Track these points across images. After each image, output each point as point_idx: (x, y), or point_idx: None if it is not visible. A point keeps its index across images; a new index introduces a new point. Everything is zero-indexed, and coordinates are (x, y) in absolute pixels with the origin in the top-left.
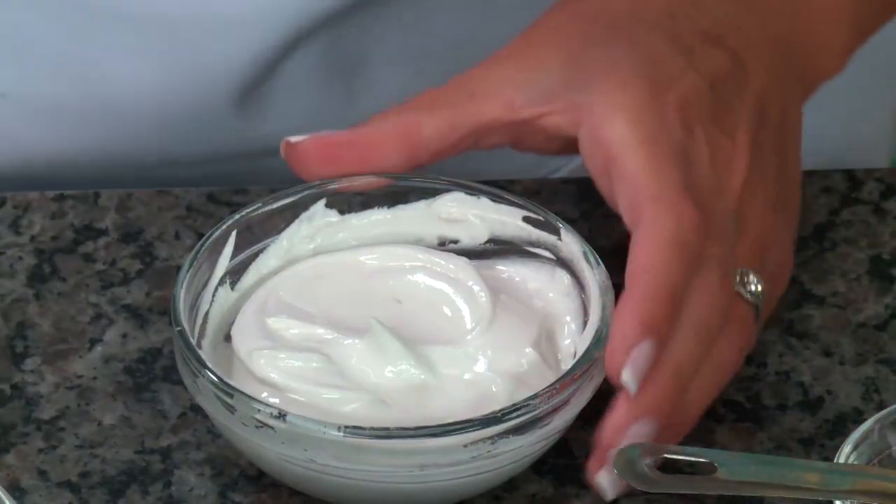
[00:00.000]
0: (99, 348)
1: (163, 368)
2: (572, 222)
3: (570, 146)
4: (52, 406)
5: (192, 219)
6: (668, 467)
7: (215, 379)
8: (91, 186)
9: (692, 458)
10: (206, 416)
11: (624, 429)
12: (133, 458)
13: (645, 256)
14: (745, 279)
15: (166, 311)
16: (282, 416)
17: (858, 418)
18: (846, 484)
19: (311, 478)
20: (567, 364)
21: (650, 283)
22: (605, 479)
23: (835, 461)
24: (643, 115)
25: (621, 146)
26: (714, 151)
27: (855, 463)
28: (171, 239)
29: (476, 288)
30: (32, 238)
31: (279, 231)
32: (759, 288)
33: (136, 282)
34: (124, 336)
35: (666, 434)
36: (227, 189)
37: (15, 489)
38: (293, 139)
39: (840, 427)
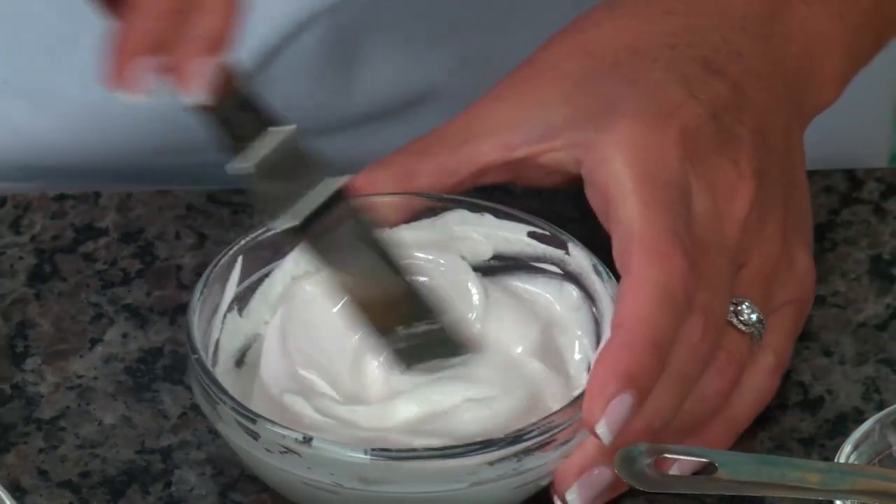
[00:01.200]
0: (99, 348)
1: (163, 368)
2: (572, 222)
3: (570, 180)
4: (52, 406)
5: (192, 218)
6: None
7: (237, 406)
8: (91, 177)
9: (693, 458)
10: (206, 416)
11: (585, 471)
12: (133, 457)
13: (631, 306)
14: (739, 308)
15: (166, 310)
16: (307, 440)
17: (859, 418)
18: (846, 484)
19: (337, 501)
20: (581, 378)
21: (634, 334)
22: None
23: (835, 461)
24: (641, 154)
25: (617, 187)
26: (716, 182)
27: (855, 463)
28: (171, 239)
29: (471, 286)
30: (33, 238)
31: (284, 255)
32: (755, 317)
33: (137, 282)
34: (124, 336)
35: None
36: (227, 189)
37: (15, 489)
38: None
39: (840, 427)
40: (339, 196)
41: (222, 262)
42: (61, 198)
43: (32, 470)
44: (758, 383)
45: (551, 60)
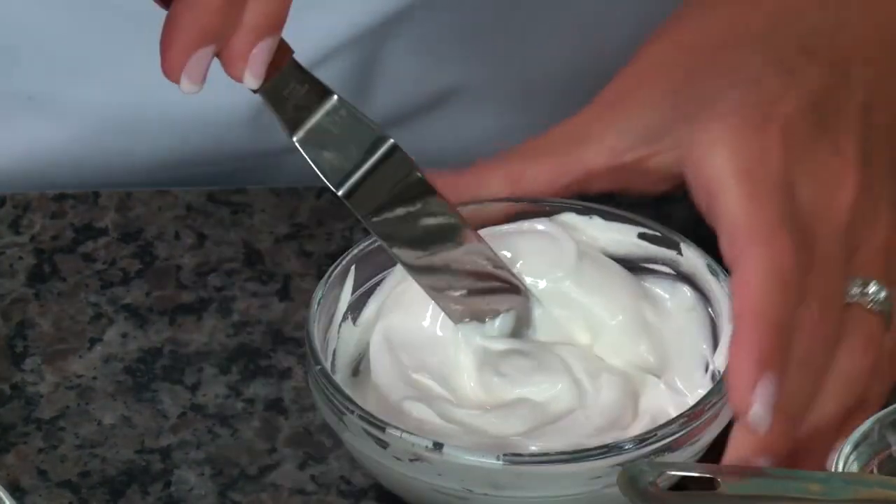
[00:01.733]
0: (99, 348)
1: (163, 368)
2: (683, 228)
3: (677, 185)
4: (51, 406)
5: (191, 218)
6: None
7: (366, 415)
8: (95, 186)
9: (694, 475)
10: (206, 416)
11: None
12: (133, 457)
13: (748, 297)
14: (866, 290)
15: (166, 310)
16: (438, 447)
17: None
18: (848, 493)
19: None
20: (701, 374)
21: (758, 323)
22: None
23: (834, 462)
24: (742, 148)
25: (719, 183)
26: (819, 171)
27: (854, 463)
28: (170, 238)
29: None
30: (32, 238)
31: (394, 263)
32: (884, 294)
33: (136, 281)
34: (124, 336)
35: (796, 459)
36: (226, 189)
37: (15, 489)
38: None
39: None
40: (392, 154)
41: (336, 271)
42: (61, 197)
43: (32, 470)
44: (885, 366)
45: (653, 58)
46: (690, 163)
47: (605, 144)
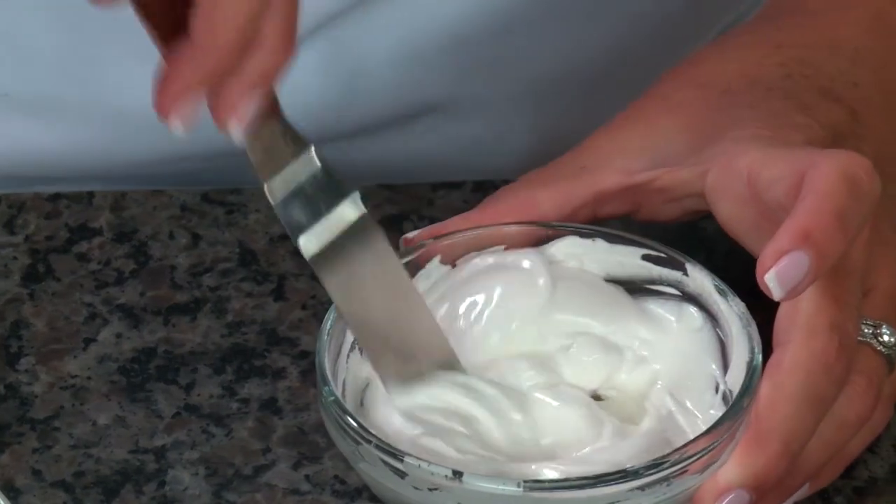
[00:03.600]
0: (93, 348)
1: (157, 368)
2: (689, 251)
3: (689, 210)
4: (46, 406)
5: (186, 219)
6: None
7: (382, 444)
8: (87, 184)
9: None
10: (200, 416)
11: (723, 494)
12: (127, 457)
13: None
14: (878, 331)
15: (160, 310)
16: (457, 476)
17: None
18: None
19: None
20: (711, 395)
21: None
22: None
23: None
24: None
25: (764, 158)
26: None
27: None
28: (165, 239)
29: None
30: (27, 238)
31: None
32: (894, 339)
33: (131, 282)
34: (118, 336)
35: (774, 496)
36: (221, 189)
37: (9, 489)
38: (409, 235)
39: None
40: (361, 222)
41: None
42: (55, 198)
43: (26, 470)
44: (875, 413)
45: (662, 93)
46: (718, 168)
47: (617, 165)
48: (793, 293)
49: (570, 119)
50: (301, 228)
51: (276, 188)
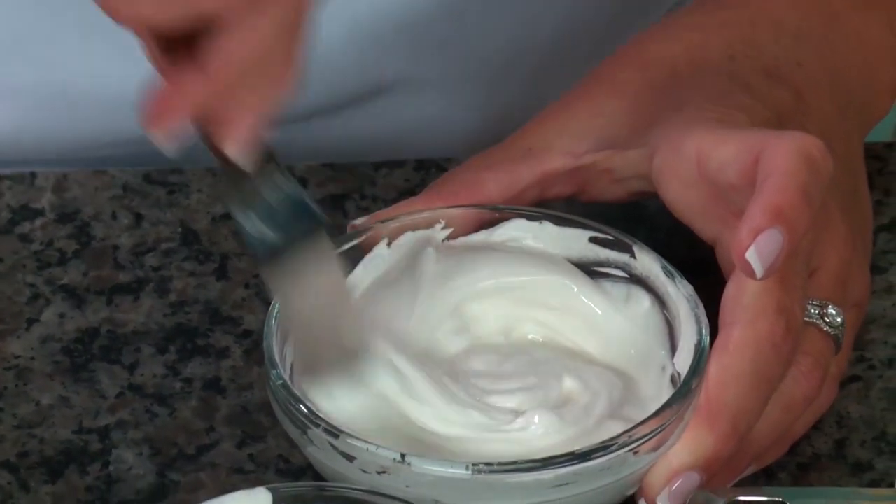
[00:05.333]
0: (36, 328)
1: (100, 348)
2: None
3: (634, 191)
4: None
5: (128, 199)
6: None
7: (331, 428)
8: (29, 165)
9: (764, 498)
10: (144, 396)
11: (673, 476)
12: (71, 437)
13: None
14: (824, 311)
15: (103, 290)
16: (404, 458)
17: None
18: None
19: None
20: (664, 376)
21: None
22: None
23: None
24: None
25: (713, 140)
26: None
27: None
28: (107, 219)
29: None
30: None
31: (346, 274)
32: (841, 319)
33: (73, 262)
34: (61, 316)
35: (723, 475)
36: (163, 168)
37: None
38: (357, 222)
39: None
40: (318, 237)
41: None
42: None
43: None
44: (821, 393)
45: (607, 74)
46: (666, 149)
47: (562, 147)
48: (770, 271)
49: (520, 100)
50: (257, 238)
51: (238, 203)
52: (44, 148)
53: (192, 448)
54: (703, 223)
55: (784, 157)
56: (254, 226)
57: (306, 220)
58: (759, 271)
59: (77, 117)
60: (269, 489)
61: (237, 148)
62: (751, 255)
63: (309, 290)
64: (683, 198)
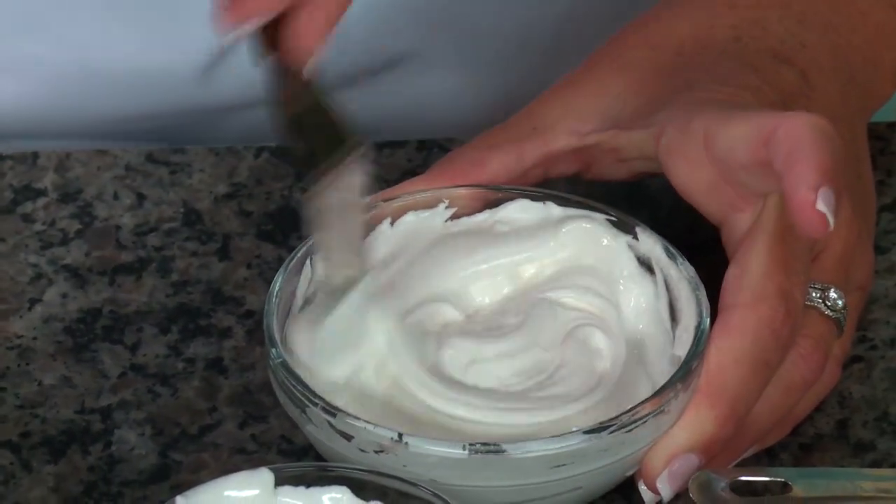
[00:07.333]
0: (38, 308)
1: (103, 328)
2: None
3: (638, 171)
4: None
5: (130, 178)
6: (742, 489)
7: (330, 408)
8: (31, 142)
9: (767, 479)
10: (146, 376)
11: (672, 458)
12: (73, 417)
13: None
14: (826, 294)
15: (105, 270)
16: (401, 438)
17: None
18: None
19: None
20: (664, 356)
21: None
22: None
23: None
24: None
25: (721, 120)
26: None
27: None
28: (109, 199)
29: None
30: None
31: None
32: (842, 303)
33: (76, 242)
34: (64, 296)
35: (722, 457)
36: (165, 148)
37: None
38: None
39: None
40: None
41: (292, 263)
42: None
43: None
44: (823, 375)
45: (613, 53)
46: (673, 130)
47: (567, 126)
48: (830, 228)
49: (528, 79)
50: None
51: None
52: (49, 122)
53: (194, 428)
54: (710, 204)
55: (805, 130)
56: (296, 135)
57: (346, 135)
58: (832, 221)
59: (89, 94)
60: (271, 469)
61: (309, 45)
62: (822, 206)
63: (340, 206)
64: (690, 178)
